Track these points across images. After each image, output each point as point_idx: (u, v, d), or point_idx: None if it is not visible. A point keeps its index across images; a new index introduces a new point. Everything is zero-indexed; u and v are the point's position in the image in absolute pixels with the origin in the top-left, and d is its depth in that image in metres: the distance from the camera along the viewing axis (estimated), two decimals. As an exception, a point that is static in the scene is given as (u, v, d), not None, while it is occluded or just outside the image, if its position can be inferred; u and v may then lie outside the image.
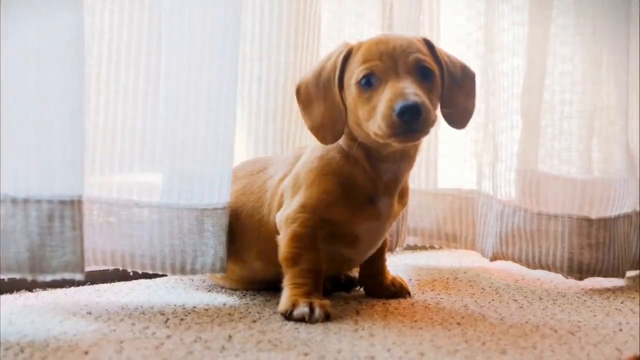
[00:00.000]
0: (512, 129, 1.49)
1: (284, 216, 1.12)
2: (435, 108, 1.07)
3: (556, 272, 1.41)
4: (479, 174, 1.56)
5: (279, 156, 1.28)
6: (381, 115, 1.02)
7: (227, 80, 1.15)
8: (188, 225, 1.15)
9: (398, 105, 1.00)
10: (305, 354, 0.89)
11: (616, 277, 1.42)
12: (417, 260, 1.65)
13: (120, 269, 1.17)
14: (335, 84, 1.10)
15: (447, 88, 1.11)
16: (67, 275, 1.00)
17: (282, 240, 1.12)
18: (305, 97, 1.13)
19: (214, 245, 1.16)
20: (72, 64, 1.00)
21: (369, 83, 1.05)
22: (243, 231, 1.19)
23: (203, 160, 1.16)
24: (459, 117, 1.14)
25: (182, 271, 1.16)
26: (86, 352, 0.88)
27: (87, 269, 1.26)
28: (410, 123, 1.00)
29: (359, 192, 1.11)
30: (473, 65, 1.56)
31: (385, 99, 1.02)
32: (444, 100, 1.11)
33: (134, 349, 0.90)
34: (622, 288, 1.39)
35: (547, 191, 1.45)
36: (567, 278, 1.42)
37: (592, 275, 1.40)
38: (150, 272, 1.17)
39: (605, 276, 1.41)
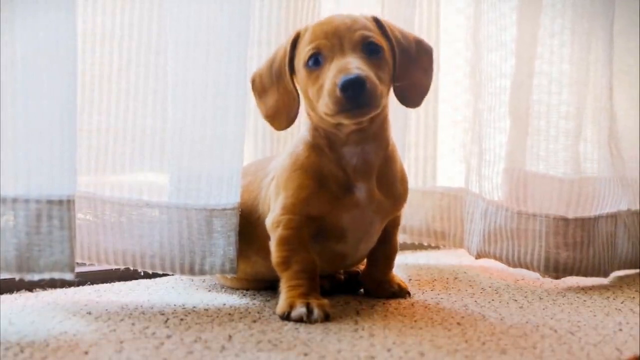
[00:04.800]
0: (497, 128, 1.48)
1: (270, 221, 1.13)
2: (385, 84, 1.07)
3: (534, 270, 1.42)
4: (467, 172, 1.56)
5: (278, 155, 1.28)
6: (327, 92, 1.03)
7: (235, 78, 1.15)
8: (197, 226, 1.16)
9: (340, 80, 1.00)
10: (305, 354, 0.89)
11: (597, 276, 1.42)
12: (417, 260, 1.65)
13: (123, 268, 1.18)
14: (287, 70, 1.11)
15: (400, 64, 1.11)
16: (56, 275, 1.00)
17: (272, 246, 1.12)
18: (260, 87, 1.15)
19: (223, 246, 1.16)
20: (63, 64, 1.00)
21: (316, 63, 1.07)
22: (246, 227, 1.19)
23: (212, 159, 1.16)
24: (413, 93, 1.14)
25: (192, 272, 1.16)
26: (86, 352, 0.88)
27: (89, 268, 1.27)
28: (355, 98, 1.00)
29: (331, 182, 1.11)
30: (470, 64, 1.58)
31: (330, 75, 1.03)
32: (397, 77, 1.11)
33: (134, 349, 0.90)
34: (622, 288, 1.39)
35: (528, 190, 1.46)
36: (543, 277, 1.43)
37: (570, 274, 1.40)
38: (160, 272, 1.18)
39: (584, 275, 1.41)
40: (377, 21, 1.12)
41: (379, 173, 1.14)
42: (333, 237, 1.14)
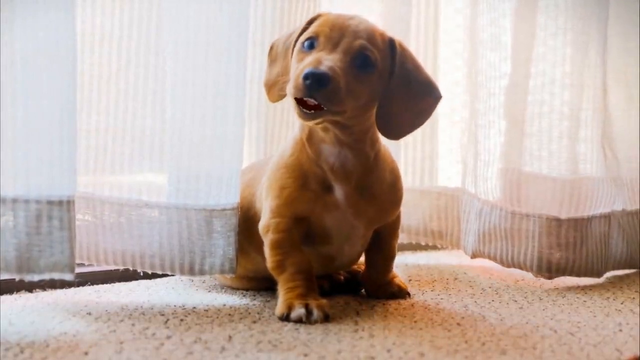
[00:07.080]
0: (494, 128, 1.48)
1: (261, 226, 1.13)
2: (356, 97, 1.05)
3: (527, 270, 1.42)
4: (464, 173, 1.56)
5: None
6: (294, 75, 1.03)
7: (235, 78, 1.15)
8: (197, 226, 1.16)
9: (307, 69, 1.00)
10: (305, 355, 0.89)
11: (590, 276, 1.43)
12: (417, 260, 1.65)
13: (123, 268, 1.18)
14: (292, 46, 1.11)
15: (391, 90, 1.09)
16: (56, 275, 1.00)
17: (265, 251, 1.12)
18: (274, 55, 1.16)
19: (222, 246, 1.16)
20: (63, 64, 1.00)
21: (310, 46, 1.07)
22: (245, 223, 1.19)
23: (211, 160, 1.16)
24: (393, 125, 1.11)
25: (191, 272, 1.17)
26: (86, 353, 0.88)
27: (89, 269, 1.27)
28: (311, 90, 0.99)
29: (311, 180, 1.11)
30: (468, 65, 1.58)
31: (307, 61, 1.03)
32: (383, 101, 1.09)
33: (134, 349, 0.90)
34: (622, 288, 1.39)
35: (522, 191, 1.46)
36: (536, 277, 1.43)
37: (563, 274, 1.41)
38: (160, 272, 1.18)
39: (577, 275, 1.42)
40: (391, 43, 1.10)
41: (360, 180, 1.12)
42: (319, 238, 1.14)
